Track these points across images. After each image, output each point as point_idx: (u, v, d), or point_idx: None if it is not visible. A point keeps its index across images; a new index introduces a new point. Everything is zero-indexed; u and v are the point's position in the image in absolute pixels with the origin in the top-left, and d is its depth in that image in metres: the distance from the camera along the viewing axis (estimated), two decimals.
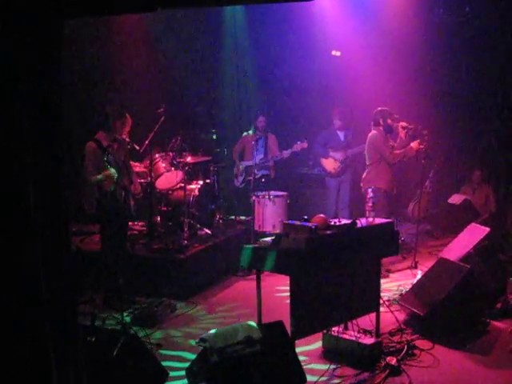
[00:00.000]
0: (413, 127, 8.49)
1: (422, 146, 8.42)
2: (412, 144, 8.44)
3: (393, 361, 5.36)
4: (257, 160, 9.74)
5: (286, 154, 9.83)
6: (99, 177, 6.91)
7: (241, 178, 10.15)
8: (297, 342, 5.24)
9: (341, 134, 10.23)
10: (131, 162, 8.06)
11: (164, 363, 5.19)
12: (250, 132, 10.14)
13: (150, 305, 7.03)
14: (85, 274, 7.02)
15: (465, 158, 11.69)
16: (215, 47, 11.72)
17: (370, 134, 8.61)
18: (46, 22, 2.91)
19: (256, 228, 8.81)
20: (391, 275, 8.16)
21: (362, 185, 8.67)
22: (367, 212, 6.10)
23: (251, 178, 9.38)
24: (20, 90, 2.84)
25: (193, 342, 5.58)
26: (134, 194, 7.45)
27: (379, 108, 8.58)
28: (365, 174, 8.70)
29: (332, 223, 5.49)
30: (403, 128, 8.45)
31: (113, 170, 6.84)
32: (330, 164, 10.07)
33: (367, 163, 8.66)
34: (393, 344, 5.80)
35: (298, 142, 9.66)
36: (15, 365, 2.86)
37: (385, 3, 10.94)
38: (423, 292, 6.49)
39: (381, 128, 8.51)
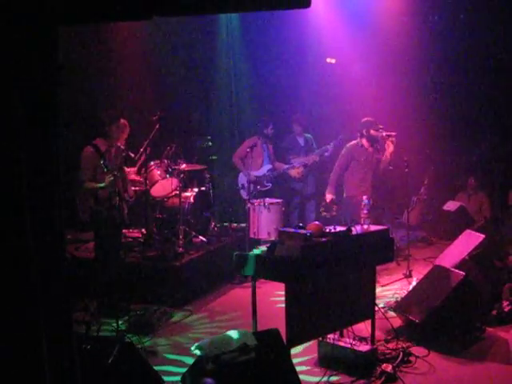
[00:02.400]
0: (395, 134, 8.61)
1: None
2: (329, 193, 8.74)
3: (388, 368, 5.35)
4: (265, 170, 9.71)
5: (297, 165, 9.79)
6: (101, 185, 6.90)
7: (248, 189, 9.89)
8: (292, 349, 5.24)
9: (300, 140, 10.29)
10: (126, 169, 8.08)
11: (159, 370, 5.17)
12: (253, 138, 9.97)
13: (145, 312, 7.03)
14: (79, 282, 7.01)
15: (460, 165, 11.73)
16: (210, 54, 11.74)
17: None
18: (43, 29, 2.92)
19: (251, 235, 8.78)
20: (386, 282, 8.16)
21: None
22: (362, 219, 6.11)
23: (263, 188, 9.41)
24: (17, 92, 2.84)
25: (189, 350, 5.57)
26: (127, 200, 7.44)
27: (364, 119, 8.73)
28: (344, 182, 9.05)
29: (327, 230, 5.49)
30: (388, 136, 8.55)
31: (106, 180, 6.83)
32: (293, 170, 10.08)
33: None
34: (388, 351, 5.79)
35: (327, 149, 9.73)
36: (9, 372, 2.85)
37: (380, 11, 10.98)
38: (418, 299, 6.49)
39: (363, 139, 8.66)
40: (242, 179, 9.91)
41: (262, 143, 9.79)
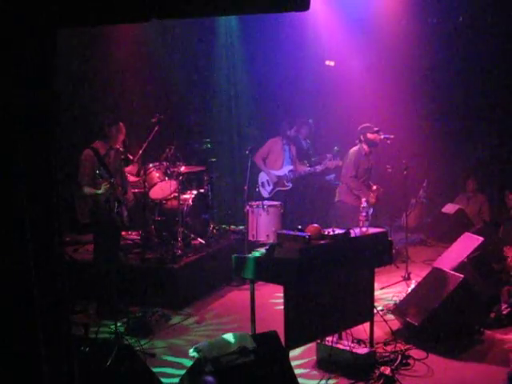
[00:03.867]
0: (393, 137, 8.61)
1: (373, 200, 8.58)
2: (371, 193, 8.60)
3: (387, 370, 5.35)
4: (286, 171, 9.71)
5: (319, 168, 9.74)
6: (98, 192, 6.91)
7: (269, 188, 9.78)
8: (291, 351, 5.24)
9: (304, 143, 10.31)
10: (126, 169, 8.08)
11: (157, 373, 5.17)
12: (277, 138, 9.89)
13: (143, 315, 7.02)
14: (78, 284, 7.00)
15: (459, 167, 11.73)
16: (209, 56, 11.75)
17: (349, 151, 8.87)
18: (41, 30, 2.92)
19: (250, 238, 8.77)
20: (385, 284, 8.15)
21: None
22: (361, 222, 6.11)
23: (283, 188, 9.42)
24: (14, 97, 2.84)
25: (187, 352, 5.57)
26: (127, 203, 7.43)
27: (361, 125, 8.80)
28: (339, 188, 9.03)
29: (326, 233, 5.49)
30: (386, 139, 8.57)
31: (103, 188, 6.81)
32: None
33: (342, 178, 9.00)
34: (387, 354, 5.79)
35: (330, 158, 9.69)
36: (7, 375, 2.85)
37: (379, 14, 10.99)
38: (417, 301, 6.49)
39: (363, 145, 8.68)
40: (263, 178, 9.89)
41: (283, 144, 9.77)
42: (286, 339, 5.07)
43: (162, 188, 8.88)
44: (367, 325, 5.93)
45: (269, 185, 9.78)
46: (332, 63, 11.57)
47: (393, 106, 10.87)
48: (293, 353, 5.41)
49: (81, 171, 7.00)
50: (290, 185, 9.73)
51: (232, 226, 10.00)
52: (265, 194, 9.78)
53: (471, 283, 6.35)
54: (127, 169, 8.48)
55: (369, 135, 8.64)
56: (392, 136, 8.60)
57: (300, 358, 5.83)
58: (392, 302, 7.27)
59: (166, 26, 10.66)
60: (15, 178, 2.84)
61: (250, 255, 5.48)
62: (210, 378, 4.32)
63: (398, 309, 6.71)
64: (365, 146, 8.71)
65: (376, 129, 8.66)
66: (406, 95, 11.21)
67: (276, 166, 9.70)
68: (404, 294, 7.14)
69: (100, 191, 6.87)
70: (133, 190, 8.31)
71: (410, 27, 11.03)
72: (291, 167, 9.78)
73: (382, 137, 8.59)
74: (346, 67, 11.18)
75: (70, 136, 8.41)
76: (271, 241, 7.92)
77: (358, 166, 8.76)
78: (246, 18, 11.12)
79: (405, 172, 8.65)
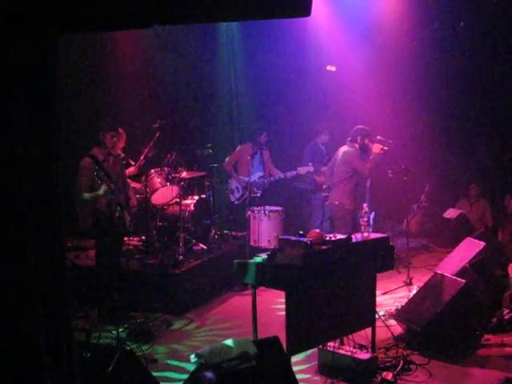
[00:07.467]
0: (390, 141, 8.46)
1: (385, 148, 8.36)
2: (373, 149, 8.39)
3: (389, 376, 5.34)
4: (256, 177, 9.68)
5: (290, 175, 9.73)
6: (87, 195, 6.90)
7: (238, 195, 9.85)
8: (293, 357, 5.23)
9: (323, 149, 10.29)
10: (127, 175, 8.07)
11: (159, 379, 5.16)
12: (247, 145, 9.95)
13: (145, 320, 7.01)
14: (80, 290, 7.01)
15: (461, 172, 11.74)
16: (210, 62, 11.76)
17: (344, 150, 8.52)
18: (44, 36, 2.93)
19: (251, 243, 8.77)
20: (387, 290, 8.14)
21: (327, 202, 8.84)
22: (362, 227, 6.10)
23: (253, 195, 9.39)
24: (15, 102, 2.84)
25: (189, 358, 5.56)
26: (130, 208, 7.42)
27: (360, 126, 8.53)
28: (332, 190, 8.74)
29: (327, 238, 5.49)
30: (382, 149, 8.34)
31: (102, 189, 6.79)
32: (321, 178, 10.04)
33: (336, 180, 8.59)
34: (389, 359, 5.79)
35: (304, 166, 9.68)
36: (9, 381, 2.85)
37: (381, 19, 11.01)
38: (419, 307, 6.48)
39: (356, 145, 8.45)
40: (233, 184, 9.98)
41: (253, 150, 9.67)
42: (287, 345, 5.06)
43: (164, 193, 8.88)
44: (369, 330, 5.91)
45: (238, 191, 9.81)
46: (333, 68, 11.59)
47: (395, 111, 10.89)
48: (294, 358, 5.40)
49: (79, 179, 6.97)
50: (260, 191, 9.70)
51: (234, 232, 10.00)
52: (233, 199, 9.87)
53: (473, 288, 6.35)
54: (129, 170, 8.50)
55: (367, 141, 8.41)
56: (390, 141, 8.46)
57: (302, 363, 5.83)
58: (394, 307, 7.26)
59: (167, 32, 10.68)
60: (16, 181, 2.84)
61: (251, 260, 5.48)
62: (208, 374, 4.31)
63: (400, 314, 6.70)
64: (356, 146, 8.47)
65: (378, 137, 8.45)
66: (408, 100, 11.22)
67: (246, 173, 9.63)
68: (406, 300, 7.14)
69: (100, 192, 6.82)
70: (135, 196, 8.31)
71: (411, 32, 11.04)
72: (261, 173, 9.79)
73: (380, 151, 8.34)
74: (347, 72, 11.19)
75: (69, 142, 8.40)
76: (273, 246, 7.91)
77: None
78: (247, 24, 11.14)
79: (405, 178, 8.62)
